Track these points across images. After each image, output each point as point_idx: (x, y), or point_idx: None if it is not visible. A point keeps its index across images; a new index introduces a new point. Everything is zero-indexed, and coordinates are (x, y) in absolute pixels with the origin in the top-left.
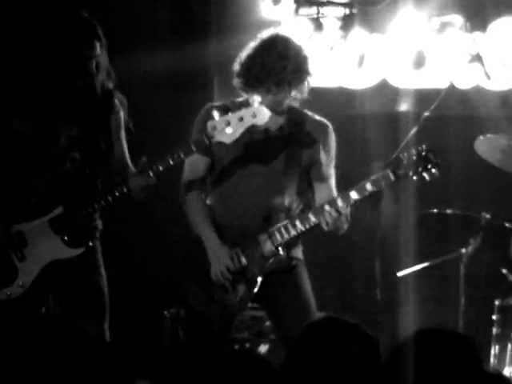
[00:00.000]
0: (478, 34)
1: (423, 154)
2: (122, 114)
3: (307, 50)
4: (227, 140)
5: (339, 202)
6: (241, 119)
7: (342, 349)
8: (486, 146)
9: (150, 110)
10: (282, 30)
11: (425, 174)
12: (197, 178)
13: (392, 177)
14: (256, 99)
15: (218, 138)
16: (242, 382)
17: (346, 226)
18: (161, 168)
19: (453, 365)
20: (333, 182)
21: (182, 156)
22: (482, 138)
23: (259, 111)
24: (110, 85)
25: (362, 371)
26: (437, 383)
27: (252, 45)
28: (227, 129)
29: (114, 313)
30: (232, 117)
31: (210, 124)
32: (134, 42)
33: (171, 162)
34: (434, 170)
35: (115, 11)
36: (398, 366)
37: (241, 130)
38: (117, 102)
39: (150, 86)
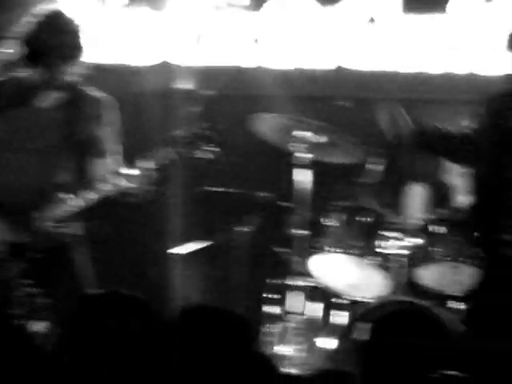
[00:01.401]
0: (258, 13)
1: (202, 132)
2: None
3: (84, 25)
4: None
5: (118, 177)
6: None
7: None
8: (263, 124)
9: None
10: (58, 4)
11: (204, 153)
12: None
13: (172, 154)
14: None
15: None
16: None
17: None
18: None
19: (220, 343)
20: (114, 157)
21: None
22: (258, 116)
23: None
24: None
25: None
26: (203, 361)
27: (28, 20)
28: None
29: None
30: None
31: None
32: None
33: None
34: (212, 149)
35: None
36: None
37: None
38: None
39: None
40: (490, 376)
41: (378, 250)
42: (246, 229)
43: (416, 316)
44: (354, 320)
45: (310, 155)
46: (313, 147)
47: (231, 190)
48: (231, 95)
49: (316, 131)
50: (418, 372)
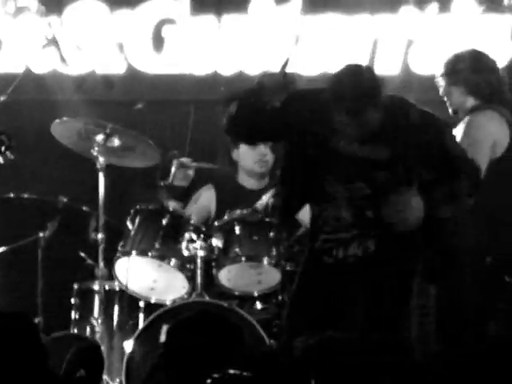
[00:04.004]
0: (53, 18)
1: None
2: None
3: None
4: None
5: None
6: None
7: None
8: (63, 129)
9: None
10: None
11: None
12: None
13: None
14: None
15: None
16: None
17: None
18: None
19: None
20: None
21: None
22: (58, 121)
23: None
24: None
25: None
26: None
27: None
28: None
29: None
30: None
31: None
32: None
33: None
34: (7, 153)
35: None
36: None
37: None
38: None
39: None
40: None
41: (178, 251)
42: (47, 234)
43: (219, 318)
44: (154, 322)
45: (108, 159)
46: (111, 151)
47: (28, 196)
48: (27, 100)
49: (113, 135)
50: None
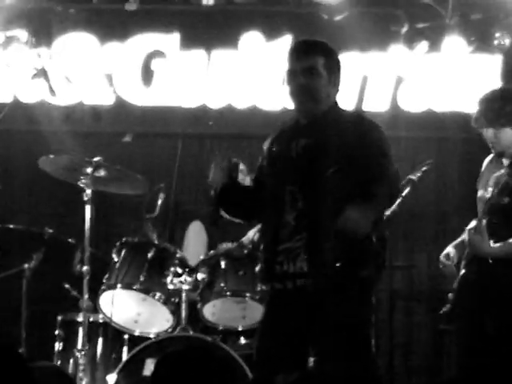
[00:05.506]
0: (43, 49)
1: None
2: None
3: None
4: None
5: None
6: None
7: None
8: (50, 164)
9: None
10: None
11: None
12: None
13: None
14: None
15: None
16: None
17: None
18: None
19: None
20: None
21: None
22: (44, 157)
23: None
24: None
25: None
26: None
27: None
28: None
29: None
30: None
31: None
32: None
33: None
34: None
35: None
36: None
37: None
38: None
39: None
40: None
41: (163, 285)
42: (32, 265)
43: (203, 352)
44: (138, 356)
45: (94, 190)
46: (96, 182)
47: (14, 226)
48: (15, 130)
49: (99, 167)
50: None
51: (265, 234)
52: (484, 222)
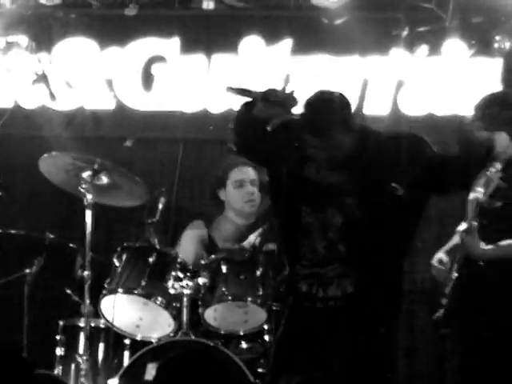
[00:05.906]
0: (43, 55)
1: None
2: None
3: None
4: None
5: None
6: None
7: None
8: (51, 164)
9: None
10: None
11: None
12: None
13: None
14: None
15: None
16: None
17: None
18: None
19: None
20: None
21: None
22: (46, 155)
23: None
24: None
25: None
26: None
27: None
28: None
29: None
30: None
31: None
32: None
33: None
34: None
35: None
36: None
37: None
38: None
39: None
40: None
41: (164, 289)
42: (33, 270)
43: (205, 356)
44: (139, 360)
45: (96, 197)
46: (98, 189)
47: (15, 232)
48: (15, 135)
49: (101, 171)
50: None
51: (293, 258)
52: (475, 223)
